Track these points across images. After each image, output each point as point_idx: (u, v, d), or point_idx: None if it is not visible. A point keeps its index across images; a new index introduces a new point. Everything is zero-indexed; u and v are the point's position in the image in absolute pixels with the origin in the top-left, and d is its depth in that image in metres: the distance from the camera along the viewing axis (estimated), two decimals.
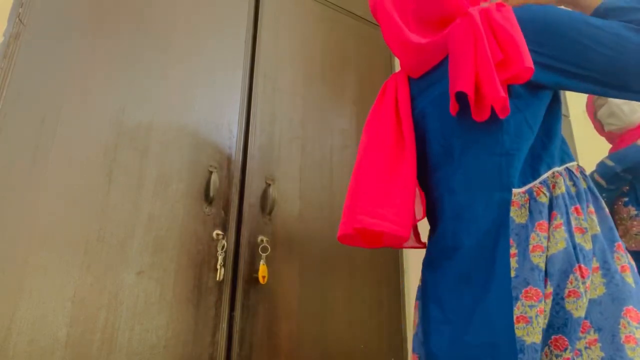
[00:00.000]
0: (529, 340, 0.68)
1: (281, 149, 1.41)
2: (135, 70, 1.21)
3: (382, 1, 0.91)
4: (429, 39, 0.84)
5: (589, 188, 0.77)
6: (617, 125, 1.27)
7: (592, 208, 0.75)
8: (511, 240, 0.73)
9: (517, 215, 0.74)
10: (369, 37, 1.79)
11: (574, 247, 0.70)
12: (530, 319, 0.69)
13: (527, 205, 0.74)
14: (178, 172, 1.20)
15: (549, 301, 0.69)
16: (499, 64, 0.73)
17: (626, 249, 0.80)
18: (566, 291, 0.69)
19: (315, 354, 1.27)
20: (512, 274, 0.71)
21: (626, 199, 1.16)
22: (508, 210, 0.74)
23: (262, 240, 1.27)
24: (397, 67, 1.77)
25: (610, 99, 1.26)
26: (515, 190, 0.75)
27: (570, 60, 0.72)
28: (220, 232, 1.21)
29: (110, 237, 1.06)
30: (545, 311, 0.69)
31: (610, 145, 1.37)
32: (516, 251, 0.72)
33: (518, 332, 0.69)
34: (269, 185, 1.32)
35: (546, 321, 0.69)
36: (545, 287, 0.70)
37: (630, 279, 0.69)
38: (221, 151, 1.29)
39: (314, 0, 1.68)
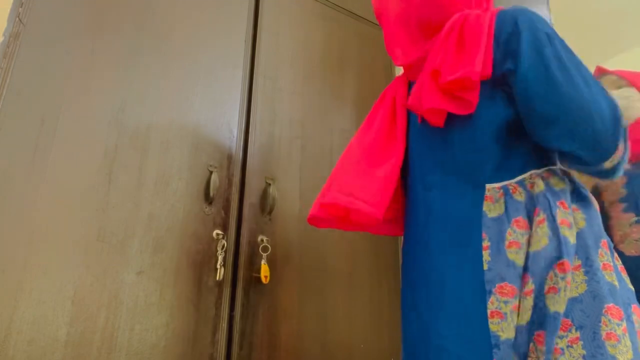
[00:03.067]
0: (503, 336, 0.69)
1: (281, 149, 1.41)
2: (135, 70, 1.21)
3: (387, 10, 0.92)
4: (428, 46, 0.87)
5: (575, 188, 0.77)
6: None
7: (575, 206, 0.75)
8: (483, 234, 0.74)
9: (490, 209, 0.76)
10: (369, 37, 1.79)
11: (559, 241, 0.70)
12: (505, 315, 0.70)
13: (503, 200, 0.75)
14: (178, 172, 1.20)
15: (530, 298, 0.70)
16: (447, 68, 0.77)
17: (620, 252, 0.80)
18: (546, 287, 0.70)
19: (315, 354, 1.27)
20: (485, 266, 0.73)
21: (625, 205, 1.17)
22: (481, 205, 0.76)
23: (262, 240, 1.27)
24: (398, 68, 1.77)
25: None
26: (489, 186, 0.77)
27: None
28: (220, 232, 1.21)
29: (110, 237, 1.06)
30: (523, 308, 0.70)
31: None
32: (489, 244, 0.74)
33: (492, 327, 0.70)
34: (269, 184, 1.32)
35: (527, 318, 0.70)
36: (526, 284, 0.70)
37: (611, 277, 0.70)
38: (221, 151, 1.29)
39: (314, 0, 1.68)
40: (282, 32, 1.54)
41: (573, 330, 0.66)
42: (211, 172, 1.24)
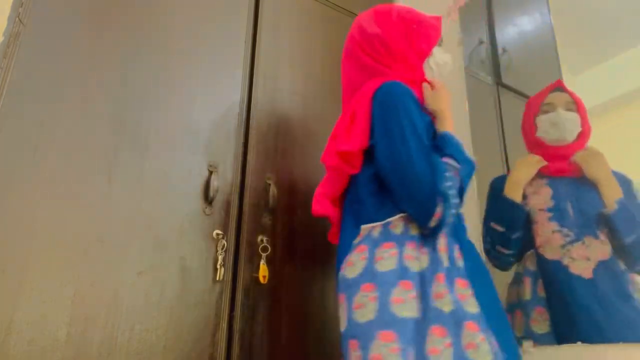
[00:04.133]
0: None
1: (281, 149, 1.41)
2: (136, 70, 1.21)
3: (342, 66, 1.25)
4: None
5: (418, 234, 0.94)
6: (556, 137, 1.34)
7: (423, 247, 0.92)
8: (350, 258, 0.98)
9: (357, 242, 0.99)
10: None
11: (403, 268, 0.89)
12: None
13: (367, 235, 0.97)
14: (178, 172, 1.20)
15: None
16: (340, 138, 1.06)
17: (541, 255, 1.16)
18: (354, 303, 0.90)
19: (316, 354, 1.27)
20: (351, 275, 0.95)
21: (551, 214, 1.29)
22: (354, 239, 1.00)
23: (262, 240, 1.27)
24: None
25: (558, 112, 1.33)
26: (363, 227, 1.00)
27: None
28: (220, 232, 1.21)
29: (110, 237, 1.06)
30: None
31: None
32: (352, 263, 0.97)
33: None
34: (269, 185, 1.32)
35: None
36: (372, 290, 0.90)
37: (440, 304, 0.84)
38: (221, 151, 1.29)
39: (314, 0, 1.68)
40: (282, 33, 1.54)
41: (410, 348, 0.81)
42: (211, 172, 1.24)
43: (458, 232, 0.97)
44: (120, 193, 1.10)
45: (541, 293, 1.24)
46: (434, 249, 0.91)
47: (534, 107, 1.40)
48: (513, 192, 1.33)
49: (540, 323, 1.20)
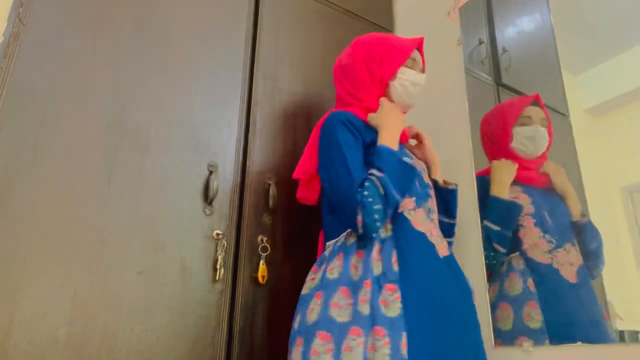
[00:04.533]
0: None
1: (281, 149, 1.41)
2: (135, 70, 1.21)
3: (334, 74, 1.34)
4: None
5: (366, 244, 1.04)
6: (531, 151, 1.39)
7: (359, 256, 1.03)
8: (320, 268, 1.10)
9: (326, 255, 1.10)
10: None
11: (346, 274, 1.01)
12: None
13: (331, 250, 1.09)
14: (178, 172, 1.20)
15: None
16: (299, 164, 1.24)
17: (532, 258, 1.23)
18: (331, 302, 1.00)
19: None
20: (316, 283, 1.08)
21: (535, 220, 1.32)
22: (324, 252, 1.12)
23: (262, 240, 1.27)
24: None
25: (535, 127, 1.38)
26: (327, 243, 1.12)
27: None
28: (220, 232, 1.21)
29: (111, 237, 1.06)
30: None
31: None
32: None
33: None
34: (269, 185, 1.32)
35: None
36: (319, 297, 1.03)
37: (362, 308, 0.95)
38: (221, 151, 1.29)
39: (314, 0, 1.68)
40: (282, 32, 1.54)
41: (331, 344, 0.93)
42: (211, 172, 1.24)
43: (398, 239, 1.03)
44: (120, 193, 1.10)
45: (532, 288, 1.25)
46: (368, 257, 1.01)
47: (511, 116, 1.41)
48: (503, 192, 1.36)
49: (533, 318, 1.22)
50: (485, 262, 1.34)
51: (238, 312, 1.18)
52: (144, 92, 1.21)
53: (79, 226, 1.03)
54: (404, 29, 1.89)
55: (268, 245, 1.26)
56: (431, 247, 1.07)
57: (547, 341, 1.17)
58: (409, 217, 1.07)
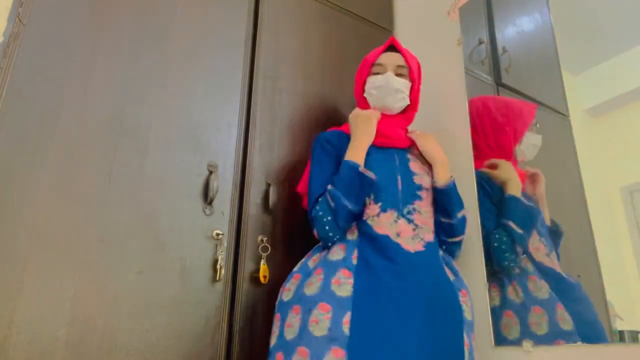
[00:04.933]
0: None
1: (281, 149, 1.41)
2: (135, 70, 1.21)
3: None
4: None
5: (352, 239, 1.16)
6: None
7: (341, 248, 1.15)
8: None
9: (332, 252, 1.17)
10: (369, 36, 1.79)
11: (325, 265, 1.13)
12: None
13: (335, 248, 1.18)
14: (178, 172, 1.20)
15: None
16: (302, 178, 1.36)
17: (540, 262, 1.23)
18: (332, 279, 1.09)
19: None
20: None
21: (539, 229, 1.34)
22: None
23: (262, 240, 1.27)
24: None
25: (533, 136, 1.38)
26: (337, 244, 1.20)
27: None
28: (220, 232, 1.21)
29: (110, 237, 1.06)
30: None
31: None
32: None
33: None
34: (269, 185, 1.32)
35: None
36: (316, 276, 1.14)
37: (338, 289, 1.05)
38: (221, 151, 1.29)
39: (314, 0, 1.68)
40: (282, 32, 1.54)
41: (297, 317, 1.06)
42: (211, 172, 1.24)
43: (362, 242, 1.14)
44: (120, 193, 1.10)
45: (535, 293, 1.24)
46: (329, 251, 1.16)
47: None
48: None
49: (539, 324, 1.20)
50: (504, 264, 1.32)
51: (238, 312, 1.18)
52: (144, 92, 1.21)
53: (79, 226, 1.03)
54: (404, 29, 1.89)
55: (268, 245, 1.26)
56: (395, 246, 1.12)
57: (578, 342, 1.14)
58: (371, 223, 1.15)
